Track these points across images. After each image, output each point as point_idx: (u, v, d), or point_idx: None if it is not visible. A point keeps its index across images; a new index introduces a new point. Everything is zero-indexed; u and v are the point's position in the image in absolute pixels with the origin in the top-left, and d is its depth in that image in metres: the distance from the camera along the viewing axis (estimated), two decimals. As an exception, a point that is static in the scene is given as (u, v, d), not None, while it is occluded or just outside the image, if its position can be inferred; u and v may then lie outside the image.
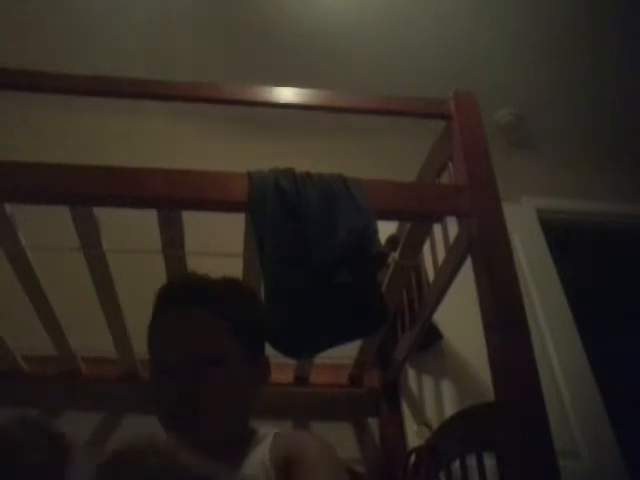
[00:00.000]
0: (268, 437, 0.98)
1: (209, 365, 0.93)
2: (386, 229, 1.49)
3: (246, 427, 1.01)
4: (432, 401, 1.99)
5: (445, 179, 1.56)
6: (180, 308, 0.98)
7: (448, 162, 1.52)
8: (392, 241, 1.52)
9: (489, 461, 1.34)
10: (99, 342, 1.80)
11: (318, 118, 1.90)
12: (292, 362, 1.87)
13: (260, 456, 0.92)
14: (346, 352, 1.73)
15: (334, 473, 0.89)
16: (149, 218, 1.32)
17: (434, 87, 1.74)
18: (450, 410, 1.85)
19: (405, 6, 2.56)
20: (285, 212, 1.27)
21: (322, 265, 1.24)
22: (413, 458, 1.67)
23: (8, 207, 1.32)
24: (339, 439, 1.92)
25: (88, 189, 1.25)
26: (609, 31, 2.66)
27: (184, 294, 1.00)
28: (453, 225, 1.44)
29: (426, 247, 1.59)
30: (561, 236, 2.62)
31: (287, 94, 1.54)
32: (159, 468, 0.54)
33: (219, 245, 1.49)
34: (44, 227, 1.57)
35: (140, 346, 1.83)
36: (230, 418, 0.97)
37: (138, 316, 1.72)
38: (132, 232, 1.71)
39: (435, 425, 1.83)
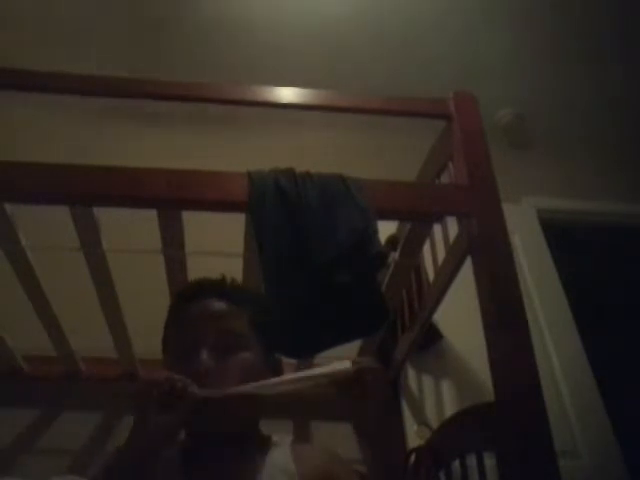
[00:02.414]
0: (283, 445, 0.98)
1: (236, 348, 0.95)
2: (386, 229, 1.49)
3: (257, 427, 1.01)
4: (432, 401, 1.98)
5: (445, 179, 1.56)
6: (206, 299, 1.01)
7: (448, 162, 1.52)
8: (392, 241, 1.52)
9: (489, 461, 1.34)
10: (99, 342, 1.80)
11: (318, 117, 1.90)
12: (292, 362, 1.87)
13: (281, 463, 0.93)
14: (346, 352, 1.73)
15: None
16: (149, 218, 1.32)
17: (434, 87, 1.74)
18: (450, 410, 1.85)
19: (405, 6, 2.56)
20: (285, 212, 1.27)
21: (322, 265, 1.24)
22: (413, 458, 1.67)
23: (8, 207, 1.32)
24: (339, 439, 1.92)
25: (88, 189, 1.26)
26: (609, 31, 2.66)
27: (209, 288, 1.04)
28: (453, 225, 1.44)
29: (426, 247, 1.59)
30: (561, 236, 2.62)
31: (287, 94, 1.54)
32: None
33: (219, 245, 1.49)
34: (44, 227, 1.57)
35: (140, 346, 1.85)
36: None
37: (138, 316, 1.75)
38: (132, 232, 1.71)
39: (435, 425, 1.83)
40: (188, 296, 1.04)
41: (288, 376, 0.89)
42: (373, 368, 0.86)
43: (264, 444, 0.98)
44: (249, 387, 0.85)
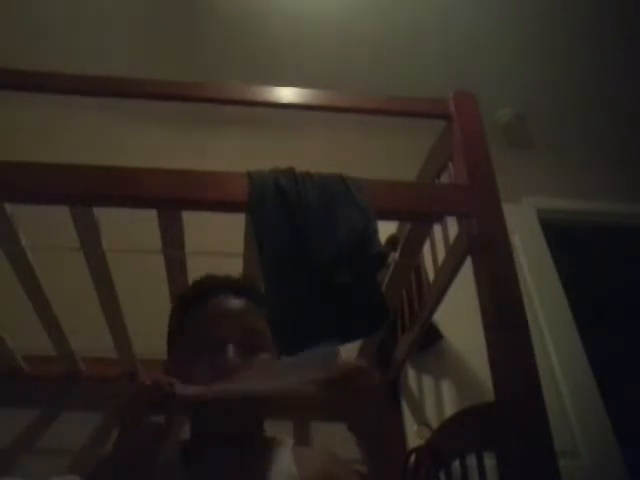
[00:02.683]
0: (285, 447, 0.97)
1: (257, 348, 0.93)
2: (386, 229, 1.49)
3: (261, 428, 1.00)
4: (432, 401, 1.98)
5: (445, 179, 1.56)
6: (226, 296, 0.97)
7: (448, 162, 1.52)
8: (392, 241, 1.52)
9: (489, 461, 1.34)
10: (99, 342, 1.80)
11: (318, 118, 1.90)
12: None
13: (284, 465, 0.92)
14: (346, 352, 1.73)
15: None
16: (149, 218, 1.32)
17: (434, 87, 1.74)
18: (450, 410, 1.85)
19: (405, 6, 2.56)
20: (285, 212, 1.27)
21: (322, 265, 1.24)
22: (413, 458, 1.67)
23: (8, 207, 1.32)
24: (339, 439, 1.92)
25: (88, 189, 1.26)
26: (609, 31, 2.66)
27: (227, 285, 1.00)
28: (453, 225, 1.44)
29: (426, 247, 1.59)
30: (561, 236, 2.62)
31: (287, 94, 1.54)
32: None
33: (219, 245, 1.49)
34: (44, 227, 1.57)
35: (140, 346, 1.85)
36: None
37: (138, 316, 1.75)
38: (132, 232, 1.71)
39: (435, 425, 1.83)
40: (206, 291, 0.99)
41: (273, 369, 0.86)
42: (368, 368, 0.85)
43: (267, 446, 0.97)
44: (236, 386, 0.83)
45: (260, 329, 0.96)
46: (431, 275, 1.67)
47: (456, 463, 1.47)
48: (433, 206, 1.38)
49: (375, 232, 1.27)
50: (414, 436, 1.86)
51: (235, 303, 0.97)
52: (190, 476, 0.90)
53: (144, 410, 0.77)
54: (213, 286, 1.00)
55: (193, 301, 0.99)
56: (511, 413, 1.13)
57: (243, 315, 0.96)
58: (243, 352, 0.90)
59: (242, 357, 0.89)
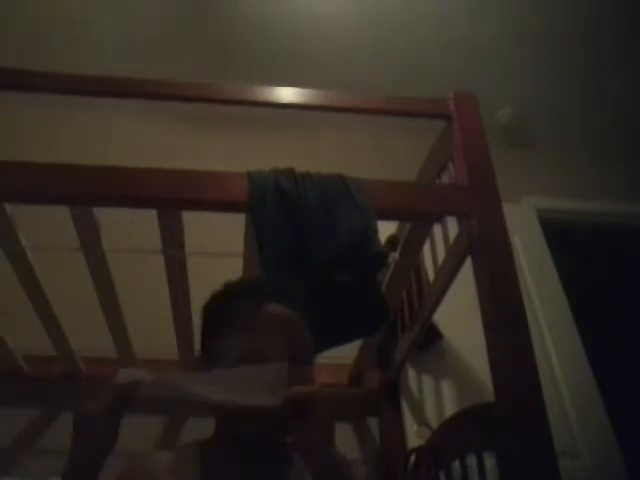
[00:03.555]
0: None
1: (306, 357, 0.93)
2: (386, 229, 1.49)
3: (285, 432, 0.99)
4: (432, 401, 1.99)
5: (445, 179, 1.56)
6: (275, 303, 0.96)
7: (448, 162, 1.52)
8: (392, 241, 1.52)
9: (489, 461, 1.34)
10: (99, 342, 1.80)
11: (317, 117, 1.90)
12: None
13: (303, 471, 0.91)
14: (346, 352, 1.73)
15: None
16: (149, 218, 1.32)
17: (434, 87, 1.74)
18: (450, 410, 1.85)
19: (405, 6, 2.56)
20: (285, 212, 1.27)
21: (322, 265, 1.24)
22: (413, 458, 1.67)
23: (8, 207, 1.32)
24: (339, 439, 1.92)
25: (88, 189, 1.25)
26: (609, 31, 2.66)
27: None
28: (453, 225, 1.44)
29: (426, 247, 1.59)
30: (561, 236, 2.62)
31: (287, 94, 1.54)
32: None
33: (219, 245, 1.49)
34: (44, 227, 1.57)
35: (140, 346, 1.85)
36: None
37: (138, 316, 1.75)
38: (132, 232, 1.71)
39: (435, 425, 1.83)
40: (261, 294, 0.97)
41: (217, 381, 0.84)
42: (317, 393, 0.84)
43: (286, 449, 0.96)
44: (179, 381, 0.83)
45: (309, 338, 0.95)
46: (431, 275, 1.67)
47: (456, 463, 1.47)
48: (433, 206, 1.38)
49: (375, 232, 1.27)
50: (414, 436, 1.87)
51: (290, 311, 0.96)
52: (207, 475, 0.90)
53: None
54: (266, 290, 0.99)
55: (246, 301, 0.96)
56: (511, 413, 1.13)
57: (297, 324, 0.95)
58: (296, 361, 0.88)
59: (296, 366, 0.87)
